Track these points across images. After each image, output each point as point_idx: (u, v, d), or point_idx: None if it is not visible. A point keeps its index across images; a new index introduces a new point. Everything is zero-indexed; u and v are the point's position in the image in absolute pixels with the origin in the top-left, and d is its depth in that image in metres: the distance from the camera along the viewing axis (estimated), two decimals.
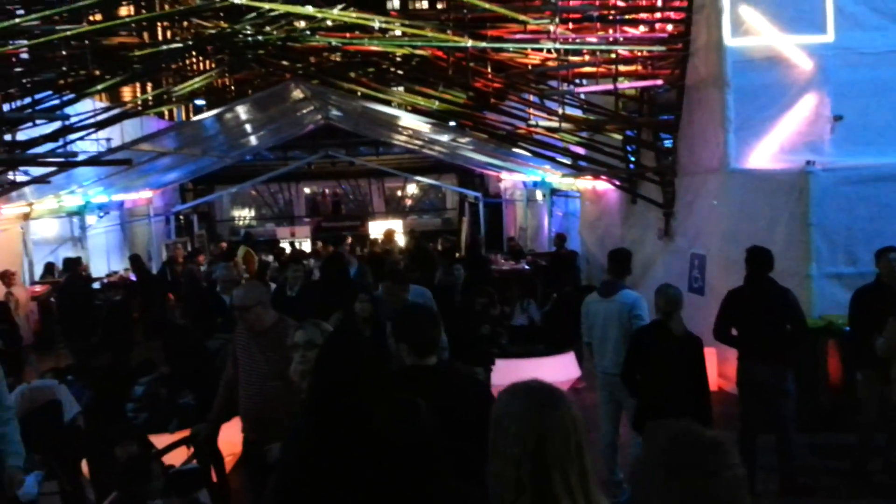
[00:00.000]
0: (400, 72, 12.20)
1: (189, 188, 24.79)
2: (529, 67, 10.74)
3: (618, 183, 11.82)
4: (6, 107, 8.97)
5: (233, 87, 15.47)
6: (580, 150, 11.97)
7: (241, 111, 15.43)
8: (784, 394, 6.04)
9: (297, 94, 15.29)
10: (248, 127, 17.92)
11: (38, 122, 9.30)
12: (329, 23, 10.11)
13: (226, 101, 15.00)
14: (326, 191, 29.18)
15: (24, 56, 9.59)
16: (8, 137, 9.09)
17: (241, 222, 28.52)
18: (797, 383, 6.28)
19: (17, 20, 8.67)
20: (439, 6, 16.80)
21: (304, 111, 18.52)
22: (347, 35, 10.46)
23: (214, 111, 14.43)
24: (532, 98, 11.47)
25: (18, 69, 9.39)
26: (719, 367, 8.67)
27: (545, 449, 2.06)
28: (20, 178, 10.43)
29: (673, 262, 10.08)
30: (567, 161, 12.23)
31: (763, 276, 6.13)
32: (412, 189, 29.27)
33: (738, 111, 8.92)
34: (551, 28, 9.72)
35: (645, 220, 11.16)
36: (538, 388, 2.22)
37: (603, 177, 12.07)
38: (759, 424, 6.13)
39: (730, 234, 8.71)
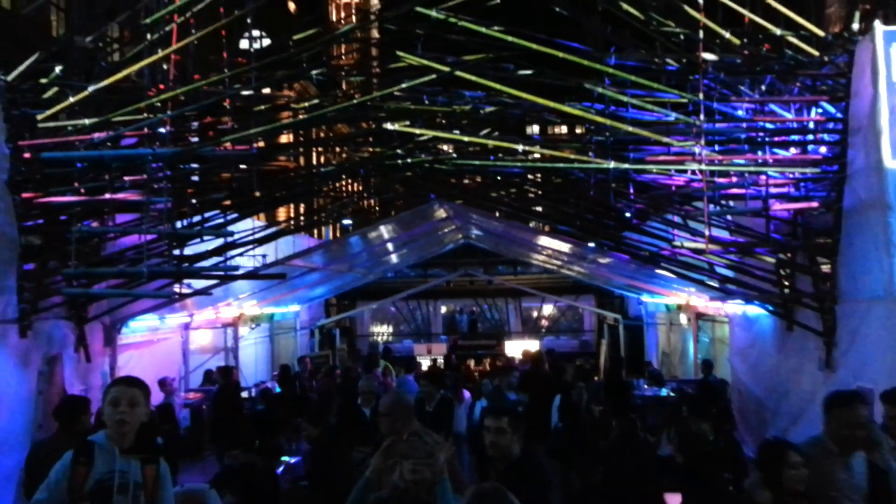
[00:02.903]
0: (540, 192, 12.39)
1: (333, 303, 25.74)
2: (673, 188, 10.60)
3: (771, 308, 11.21)
4: (177, 224, 9.74)
5: (377, 208, 16.25)
6: (728, 273, 11.50)
7: (385, 230, 16.09)
8: None
9: (440, 213, 15.81)
10: (390, 245, 18.61)
11: (204, 238, 10.04)
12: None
13: (371, 220, 15.73)
14: (461, 308, 29.48)
15: (195, 178, 10.51)
16: (176, 252, 9.85)
17: (380, 338, 29.16)
18: None
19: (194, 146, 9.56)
20: (578, 131, 17.12)
21: (446, 230, 19.06)
22: (491, 157, 10.80)
23: (360, 231, 15.12)
24: (675, 219, 11.23)
25: (191, 190, 10.26)
26: None
27: None
28: (185, 290, 11.18)
29: None
30: (715, 284, 11.77)
31: None
32: (549, 309, 29.03)
33: None
34: (696, 150, 9.60)
35: (803, 350, 10.42)
36: (488, 493, 2.44)
37: (755, 302, 11.49)
38: None
39: None
